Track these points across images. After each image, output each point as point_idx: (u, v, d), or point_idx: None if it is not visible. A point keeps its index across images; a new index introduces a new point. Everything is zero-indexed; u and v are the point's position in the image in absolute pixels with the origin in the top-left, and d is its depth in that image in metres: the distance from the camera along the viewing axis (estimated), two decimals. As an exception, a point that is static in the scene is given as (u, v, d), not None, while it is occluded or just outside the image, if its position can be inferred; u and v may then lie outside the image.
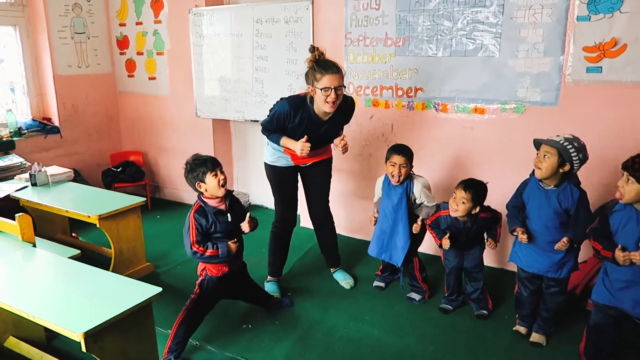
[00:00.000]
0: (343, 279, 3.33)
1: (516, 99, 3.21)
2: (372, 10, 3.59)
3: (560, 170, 2.34)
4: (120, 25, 5.02)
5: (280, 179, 3.10)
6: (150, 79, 4.99)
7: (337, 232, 3.38)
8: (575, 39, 2.96)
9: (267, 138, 2.99)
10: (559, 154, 2.31)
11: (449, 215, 2.78)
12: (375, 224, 3.11)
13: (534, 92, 3.14)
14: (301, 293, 3.23)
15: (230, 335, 2.78)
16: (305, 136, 2.75)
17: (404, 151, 2.90)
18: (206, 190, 2.51)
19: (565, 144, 2.30)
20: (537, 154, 2.41)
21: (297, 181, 3.17)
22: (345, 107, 2.89)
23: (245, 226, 2.60)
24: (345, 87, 2.77)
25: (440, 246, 2.84)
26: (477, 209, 2.70)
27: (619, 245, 2.09)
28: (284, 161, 3.04)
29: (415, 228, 2.94)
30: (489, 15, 3.18)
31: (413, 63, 3.52)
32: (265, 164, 3.13)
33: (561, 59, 3.02)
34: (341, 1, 3.71)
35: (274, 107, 2.88)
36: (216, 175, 2.49)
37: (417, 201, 2.95)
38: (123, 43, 5.06)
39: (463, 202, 2.67)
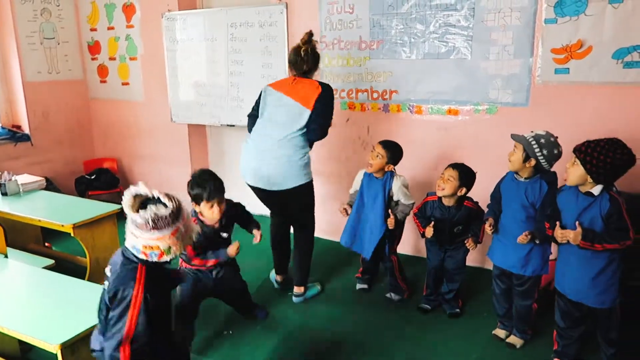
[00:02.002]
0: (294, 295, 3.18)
1: (488, 100, 3.28)
2: (346, 14, 3.63)
3: (527, 165, 2.38)
4: (92, 30, 4.94)
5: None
6: (123, 84, 4.92)
7: (316, 235, 3.38)
8: (544, 41, 3.04)
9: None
10: (524, 149, 2.36)
11: (436, 200, 2.81)
12: (346, 215, 3.11)
13: (506, 93, 3.22)
14: (282, 297, 3.22)
15: (212, 341, 2.76)
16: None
17: (386, 144, 2.96)
18: (200, 212, 2.46)
19: (530, 139, 2.35)
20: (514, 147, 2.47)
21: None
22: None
23: (231, 250, 2.52)
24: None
25: (423, 235, 2.84)
26: (464, 191, 2.72)
27: (558, 223, 2.17)
28: None
29: (390, 222, 2.93)
30: (460, 18, 3.24)
31: (387, 66, 3.56)
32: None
33: (530, 60, 3.10)
34: (315, 5, 3.74)
35: None
36: (212, 207, 2.39)
37: (395, 198, 2.97)
38: (94, 48, 4.98)
39: (450, 180, 2.70)
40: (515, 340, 2.67)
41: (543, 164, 2.36)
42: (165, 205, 1.64)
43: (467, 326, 2.86)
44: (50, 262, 2.85)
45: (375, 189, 2.98)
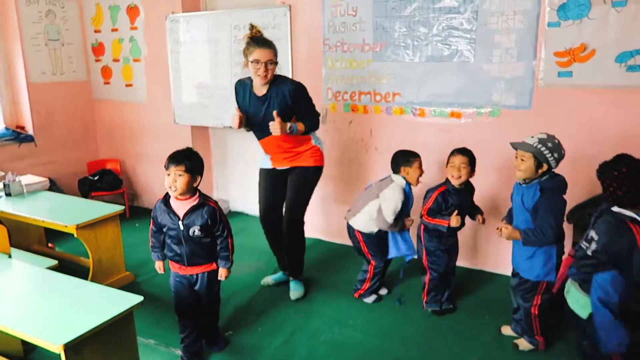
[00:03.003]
0: (294, 289, 3.25)
1: (491, 103, 3.28)
2: (349, 16, 3.64)
3: (539, 171, 2.38)
4: (96, 32, 4.96)
5: (260, 180, 3.20)
6: (127, 86, 4.94)
7: (318, 237, 3.39)
8: (547, 44, 3.04)
9: None
10: (535, 157, 2.35)
11: (446, 190, 2.81)
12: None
13: (508, 96, 3.22)
14: (284, 299, 3.22)
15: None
16: (236, 109, 2.95)
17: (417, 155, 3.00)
18: None
19: (539, 146, 2.34)
20: (516, 155, 2.44)
21: (273, 184, 3.16)
22: (284, 86, 2.89)
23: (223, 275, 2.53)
24: (277, 63, 2.86)
25: (448, 229, 2.78)
26: (474, 174, 2.79)
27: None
28: (264, 164, 3.17)
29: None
30: (464, 21, 3.25)
31: (390, 68, 3.57)
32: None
33: (533, 63, 3.10)
34: (319, 7, 3.75)
35: None
36: (168, 175, 2.32)
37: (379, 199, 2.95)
38: (98, 50, 5.00)
39: (463, 166, 2.72)
40: (522, 343, 2.66)
41: (553, 166, 2.37)
42: None
43: (468, 328, 2.86)
44: (54, 262, 2.86)
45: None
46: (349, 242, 3.27)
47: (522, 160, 2.39)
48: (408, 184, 2.94)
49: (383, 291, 3.25)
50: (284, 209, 3.19)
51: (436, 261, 2.91)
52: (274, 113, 2.81)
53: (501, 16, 3.13)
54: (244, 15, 4.06)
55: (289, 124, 2.87)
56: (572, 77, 3.02)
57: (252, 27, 2.95)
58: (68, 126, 4.98)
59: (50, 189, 3.86)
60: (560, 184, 2.43)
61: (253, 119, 2.98)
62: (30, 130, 4.68)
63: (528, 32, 3.08)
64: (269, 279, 3.40)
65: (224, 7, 4.38)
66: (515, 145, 2.44)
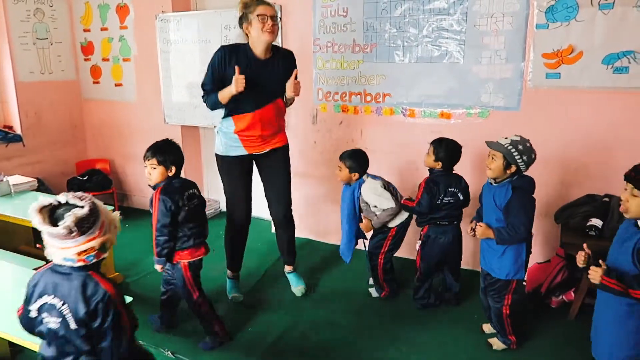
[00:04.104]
0: (296, 285, 3.25)
1: (480, 104, 3.31)
2: (340, 17, 3.64)
3: (508, 172, 2.41)
4: (85, 30, 4.92)
5: (230, 170, 2.94)
6: (116, 85, 4.91)
7: (308, 237, 3.40)
8: (535, 46, 3.07)
9: (207, 103, 2.82)
10: (504, 157, 2.38)
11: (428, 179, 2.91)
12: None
13: (497, 97, 3.24)
14: (274, 299, 3.22)
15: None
16: (237, 68, 2.62)
17: (343, 154, 3.06)
18: None
19: (510, 147, 2.37)
20: (489, 154, 2.48)
21: (249, 175, 3.01)
22: (284, 54, 2.86)
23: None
24: (281, 19, 2.77)
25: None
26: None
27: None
28: (235, 151, 2.89)
29: (363, 226, 3.06)
30: (453, 22, 3.27)
31: (381, 69, 3.58)
32: (216, 155, 2.97)
33: (522, 65, 3.13)
34: (309, 8, 3.75)
35: (211, 59, 2.79)
36: (145, 166, 2.49)
37: (371, 205, 3.01)
38: (88, 49, 4.96)
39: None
40: (495, 342, 2.68)
41: (522, 168, 2.40)
42: (81, 206, 1.50)
43: (458, 328, 2.88)
44: (42, 263, 2.83)
45: (346, 196, 3.10)
46: (338, 242, 3.28)
47: (492, 159, 2.43)
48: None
49: (374, 292, 3.26)
50: (272, 201, 3.08)
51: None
52: (295, 72, 2.78)
53: (490, 18, 3.16)
54: (235, 16, 4.02)
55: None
56: (560, 78, 3.05)
57: None
58: (57, 126, 4.94)
59: (38, 189, 3.83)
60: (530, 184, 2.47)
61: (252, 86, 2.65)
62: (18, 130, 4.64)
63: (517, 34, 3.11)
64: (236, 295, 3.17)
65: (214, 7, 4.37)
66: (488, 144, 2.47)
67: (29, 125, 4.69)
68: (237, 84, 2.60)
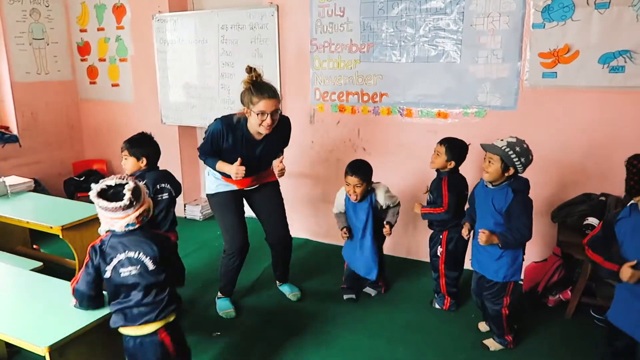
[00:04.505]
0: (290, 292, 3.25)
1: (477, 104, 3.31)
2: (337, 17, 3.64)
3: (506, 175, 2.38)
4: (81, 31, 4.91)
5: (223, 204, 2.95)
6: (113, 85, 4.90)
7: (306, 237, 3.40)
8: (531, 45, 3.08)
9: (205, 163, 2.88)
10: (502, 160, 2.35)
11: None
12: (347, 239, 3.07)
13: (494, 96, 3.25)
14: (272, 300, 3.22)
15: (200, 344, 2.75)
16: (239, 159, 2.66)
17: (358, 171, 2.88)
18: None
19: (507, 150, 2.34)
20: (484, 157, 2.44)
21: (242, 206, 3.01)
22: (280, 126, 2.78)
23: None
24: (280, 111, 2.71)
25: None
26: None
27: (631, 261, 1.93)
28: (226, 187, 2.93)
29: (386, 232, 2.96)
30: (450, 22, 3.27)
31: (378, 69, 3.58)
32: (207, 195, 3.01)
33: (518, 64, 3.14)
34: (306, 8, 3.75)
35: (208, 128, 2.79)
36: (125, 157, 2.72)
37: (384, 207, 3.00)
38: (84, 49, 4.95)
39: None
40: (492, 343, 2.66)
41: (520, 171, 2.38)
42: (127, 183, 1.90)
43: (455, 327, 2.88)
44: (39, 264, 2.82)
45: (363, 211, 2.97)
46: (336, 242, 3.28)
47: (490, 162, 2.39)
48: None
49: (371, 291, 3.26)
50: (272, 227, 3.08)
51: None
52: (282, 158, 2.88)
53: (487, 18, 3.17)
54: (232, 15, 4.05)
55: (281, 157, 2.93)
56: (557, 78, 3.06)
57: (250, 69, 2.68)
58: (53, 126, 4.93)
59: (35, 190, 3.81)
60: (527, 185, 2.45)
61: (247, 161, 2.70)
62: (14, 131, 4.62)
63: (513, 34, 3.11)
64: (228, 311, 3.05)
65: (211, 7, 4.37)
66: (484, 148, 2.44)
67: (26, 125, 4.68)
68: (237, 175, 2.67)
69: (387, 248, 3.38)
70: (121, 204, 1.85)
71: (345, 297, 3.20)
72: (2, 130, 4.58)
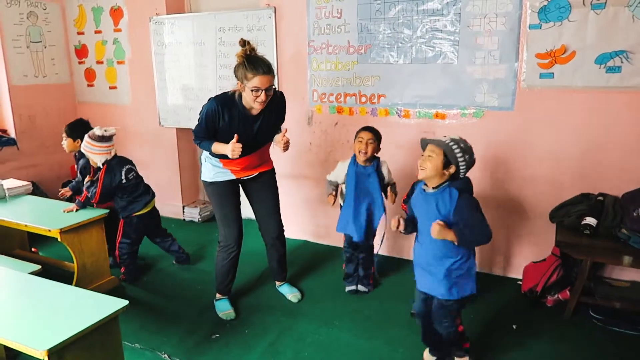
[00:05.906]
0: (290, 292, 3.24)
1: (475, 104, 3.32)
2: (334, 18, 3.65)
3: (445, 172, 2.15)
4: (79, 33, 4.91)
5: (221, 195, 2.91)
6: (111, 88, 4.90)
7: (304, 238, 3.39)
8: (528, 46, 3.09)
9: (200, 146, 2.81)
10: (444, 154, 2.14)
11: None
12: (334, 204, 3.20)
13: (492, 97, 3.26)
14: (270, 301, 3.22)
15: (199, 346, 2.75)
16: (236, 136, 2.59)
17: (372, 129, 3.04)
18: None
19: (451, 144, 2.15)
20: (422, 154, 2.22)
21: (239, 197, 2.99)
22: (276, 100, 2.77)
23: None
24: (275, 86, 2.68)
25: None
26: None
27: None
28: (224, 176, 2.88)
29: (391, 197, 3.04)
30: (447, 23, 3.28)
31: (375, 70, 3.59)
32: (203, 182, 2.96)
33: (515, 65, 3.15)
34: (303, 9, 3.75)
35: (202, 108, 2.71)
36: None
37: (386, 181, 3.08)
38: (82, 52, 4.95)
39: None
40: None
41: (462, 170, 2.16)
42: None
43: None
44: (37, 267, 2.82)
45: (371, 174, 3.05)
46: (335, 244, 3.28)
47: (430, 156, 2.16)
48: (353, 156, 3.10)
49: (362, 288, 3.28)
50: (263, 223, 3.07)
51: None
52: (285, 131, 2.78)
53: (484, 18, 3.17)
54: (229, 18, 4.05)
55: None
56: (554, 78, 3.07)
57: (244, 42, 2.63)
58: (51, 129, 4.92)
59: (33, 193, 3.82)
60: (470, 185, 2.24)
61: (243, 138, 2.64)
62: (12, 134, 4.62)
63: (510, 34, 3.12)
64: (228, 312, 3.04)
65: (208, 9, 4.37)
66: (426, 141, 2.23)
67: (23, 128, 4.67)
68: (234, 152, 2.60)
69: (386, 248, 3.39)
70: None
71: (347, 289, 3.28)
72: (0, 133, 4.58)
